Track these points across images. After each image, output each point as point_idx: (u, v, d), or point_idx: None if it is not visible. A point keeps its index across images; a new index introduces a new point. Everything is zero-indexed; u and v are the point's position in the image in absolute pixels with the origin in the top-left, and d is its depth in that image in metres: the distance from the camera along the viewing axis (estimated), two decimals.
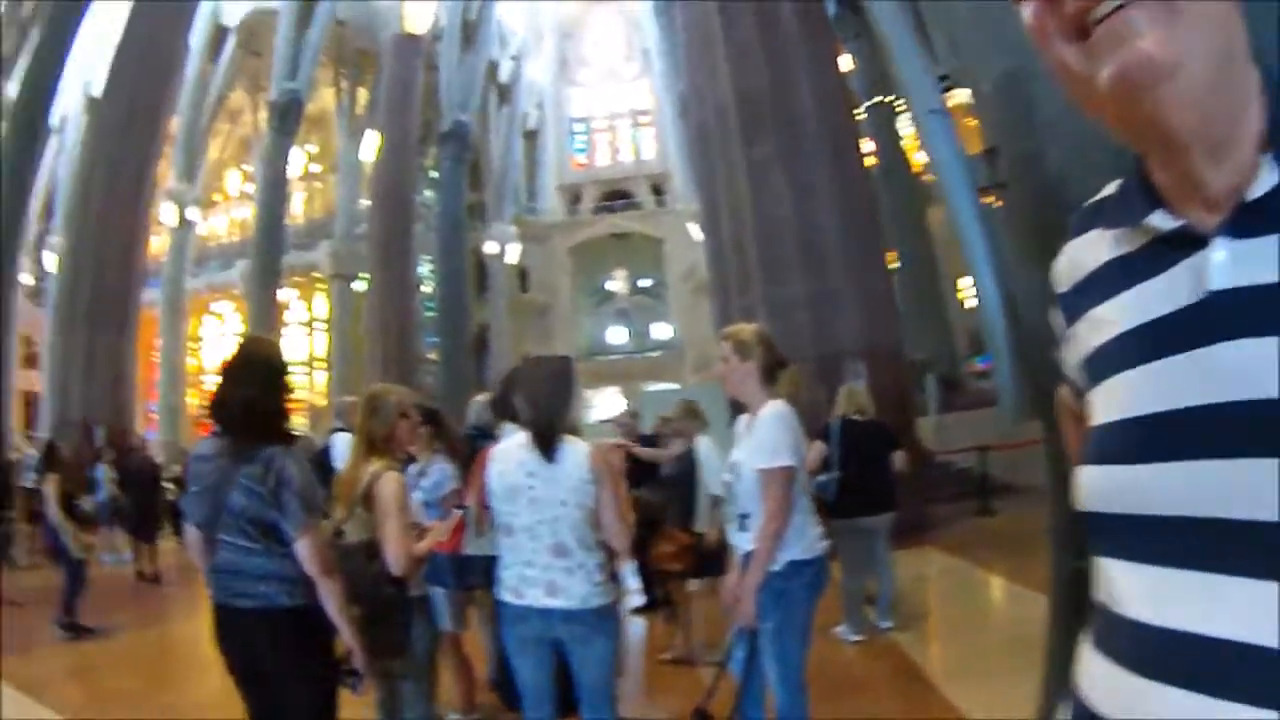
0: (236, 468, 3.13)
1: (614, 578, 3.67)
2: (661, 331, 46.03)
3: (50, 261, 38.77)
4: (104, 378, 20.21)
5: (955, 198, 24.53)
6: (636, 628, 8.00)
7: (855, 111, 18.99)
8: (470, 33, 40.81)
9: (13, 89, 30.63)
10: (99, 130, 23.22)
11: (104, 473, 14.64)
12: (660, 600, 7.82)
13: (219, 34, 42.28)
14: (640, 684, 6.50)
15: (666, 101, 37.68)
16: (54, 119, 32.23)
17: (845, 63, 22.59)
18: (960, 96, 23.98)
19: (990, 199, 22.23)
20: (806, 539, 3.82)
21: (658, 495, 7.19)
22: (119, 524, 14.45)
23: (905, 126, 29.30)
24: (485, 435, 5.27)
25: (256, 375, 3.29)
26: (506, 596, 3.60)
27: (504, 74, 45.67)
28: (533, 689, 3.62)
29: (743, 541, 3.84)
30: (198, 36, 36.67)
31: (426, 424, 5.11)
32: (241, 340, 3.69)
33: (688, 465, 6.97)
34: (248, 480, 3.10)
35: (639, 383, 36.90)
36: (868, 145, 22.01)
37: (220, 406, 3.31)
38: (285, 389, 3.38)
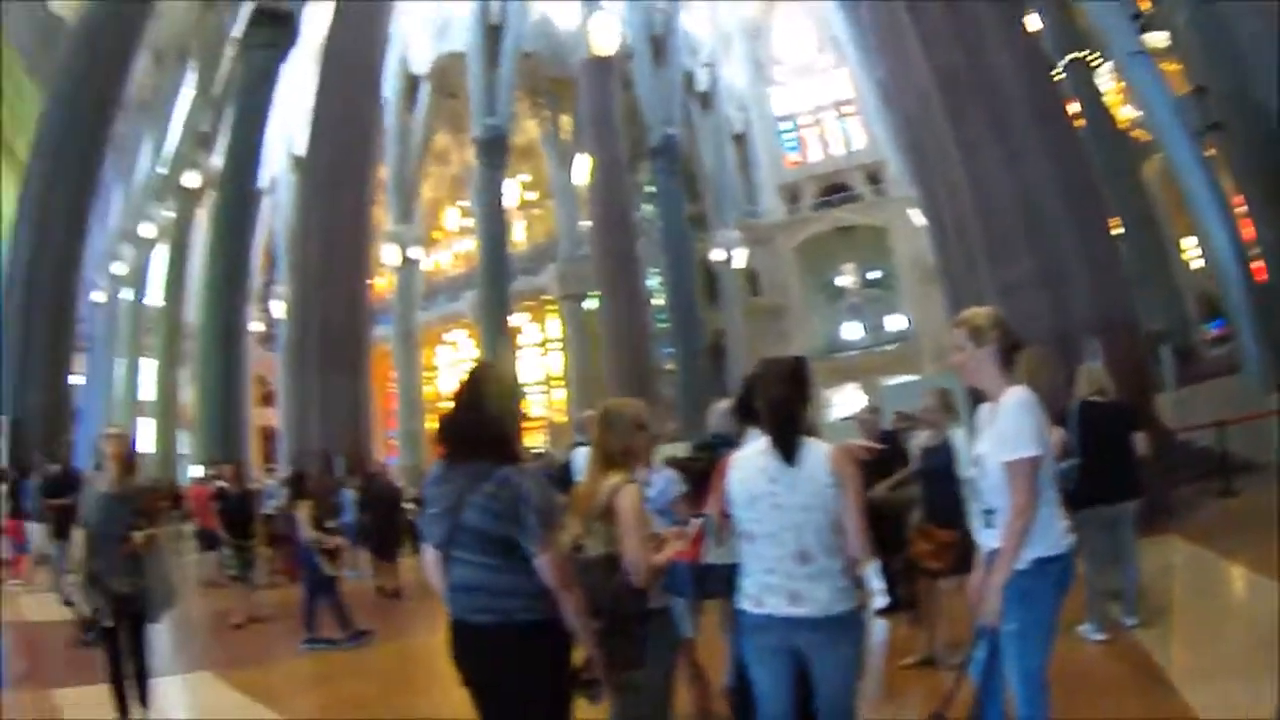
0: (472, 488, 3.21)
1: (857, 581, 3.54)
2: (895, 323, 44.76)
3: (278, 309, 41.67)
4: (340, 412, 21.32)
5: (1172, 146, 23.34)
6: (879, 630, 7.79)
7: (1052, 73, 18.25)
8: (659, 47, 41.40)
9: (218, 160, 33.20)
10: (308, 187, 24.59)
11: (349, 497, 15.73)
12: (904, 601, 7.62)
13: (412, 83, 44.47)
14: (881, 687, 6.30)
15: (867, 89, 37.03)
16: (263, 181, 34.84)
17: (1032, 23, 21.65)
18: (1155, 41, 22.84)
19: (1208, 146, 21.00)
20: (1053, 534, 3.59)
21: (900, 492, 6.96)
22: (362, 543, 15.32)
23: (1104, 82, 28.00)
24: (727, 443, 5.21)
25: (486, 399, 3.38)
26: (746, 605, 3.53)
27: (701, 82, 45.95)
28: (770, 699, 3.54)
29: (988, 539, 3.67)
30: (391, 88, 38.70)
31: None
32: (471, 367, 3.77)
33: (944, 458, 6.52)
34: (483, 500, 3.19)
35: (877, 377, 35.93)
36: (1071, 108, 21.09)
37: (452, 430, 3.44)
38: (514, 410, 3.46)
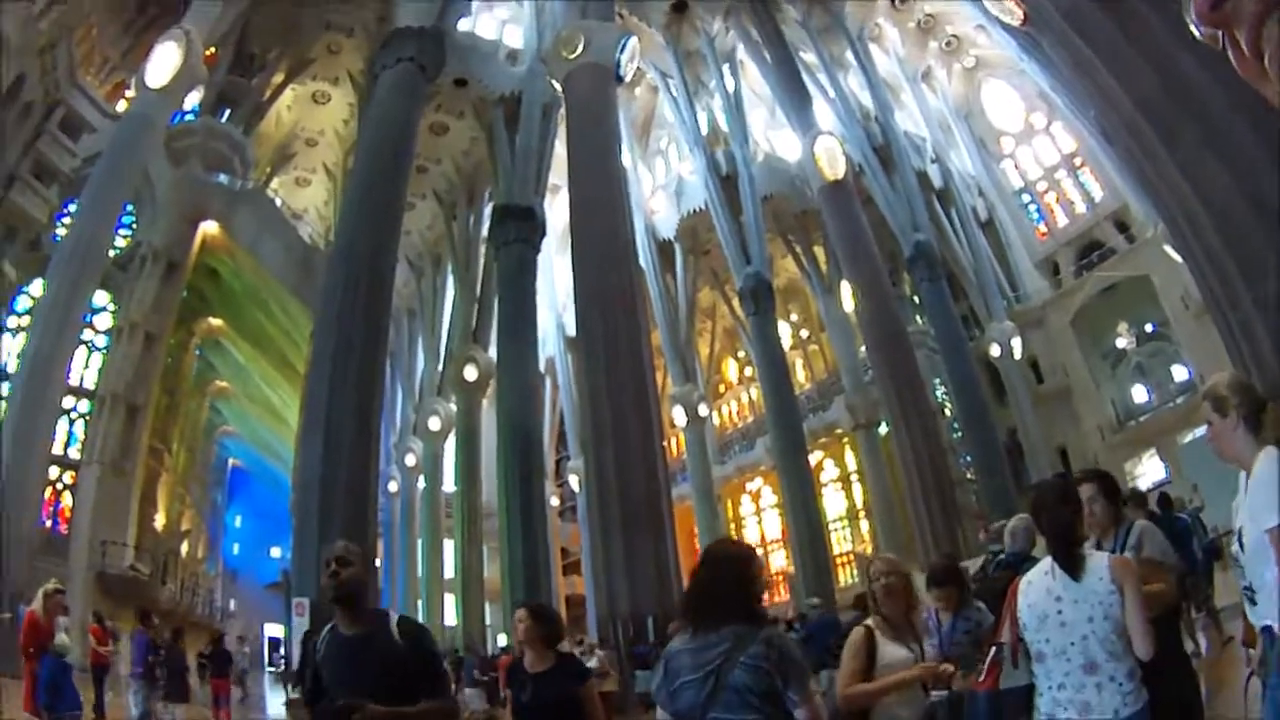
0: (739, 650, 3.42)
1: (1144, 680, 3.51)
2: (1181, 373, 40.69)
3: (574, 482, 43.51)
4: (645, 575, 21.39)
5: None
6: None
7: None
8: (884, 156, 41.68)
9: (492, 352, 35.39)
10: (587, 364, 25.33)
11: None
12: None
13: (665, 247, 46.62)
14: None
15: (1086, 133, 35.67)
16: (541, 364, 37.27)
17: None
18: None
19: None
20: None
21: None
22: None
23: None
24: (1027, 559, 5.18)
25: (723, 572, 3.64)
26: None
27: (935, 179, 45.70)
28: None
29: (1253, 619, 3.47)
30: (645, 256, 40.47)
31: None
32: (706, 548, 4.03)
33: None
34: (751, 660, 3.39)
35: (1173, 436, 34.11)
36: None
37: (701, 601, 3.65)
38: (748, 579, 3.64)
